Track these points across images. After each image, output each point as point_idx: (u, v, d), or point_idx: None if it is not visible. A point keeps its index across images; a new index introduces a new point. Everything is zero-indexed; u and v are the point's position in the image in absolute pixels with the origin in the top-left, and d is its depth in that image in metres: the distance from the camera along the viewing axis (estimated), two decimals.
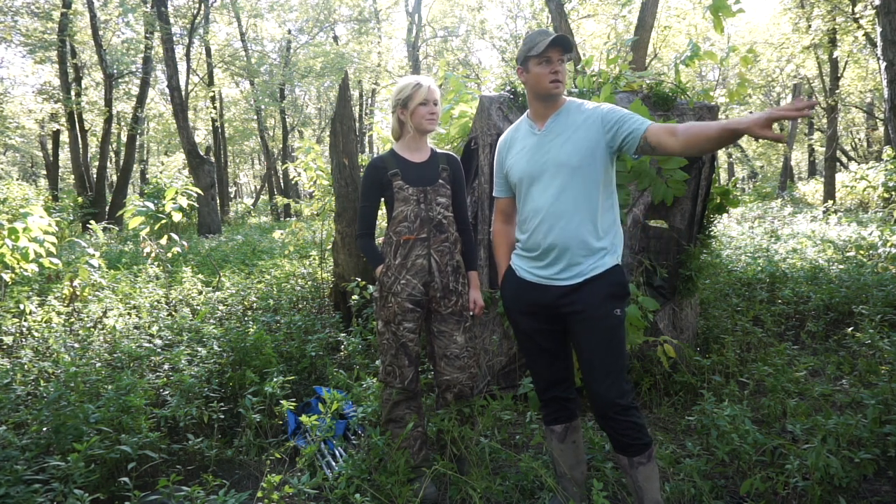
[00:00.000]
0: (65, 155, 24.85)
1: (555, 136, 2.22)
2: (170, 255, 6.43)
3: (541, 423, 2.87)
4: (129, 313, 4.74)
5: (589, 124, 2.18)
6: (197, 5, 19.46)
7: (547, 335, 2.31)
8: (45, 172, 25.73)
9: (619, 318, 2.17)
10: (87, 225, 13.17)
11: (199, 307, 5.07)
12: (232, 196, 35.35)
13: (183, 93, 15.43)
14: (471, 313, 2.69)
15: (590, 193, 2.17)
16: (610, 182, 2.23)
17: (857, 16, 12.10)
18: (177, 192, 5.70)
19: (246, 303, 5.45)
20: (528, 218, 2.27)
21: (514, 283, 2.35)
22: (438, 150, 2.73)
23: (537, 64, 2.19)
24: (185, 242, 6.17)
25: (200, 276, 6.18)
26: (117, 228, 14.90)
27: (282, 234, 6.95)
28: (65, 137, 20.69)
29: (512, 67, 20.94)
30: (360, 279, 4.49)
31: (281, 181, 25.12)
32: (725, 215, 5.07)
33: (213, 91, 22.87)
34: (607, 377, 2.12)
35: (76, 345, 3.94)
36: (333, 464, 2.80)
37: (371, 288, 4.35)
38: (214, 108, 23.43)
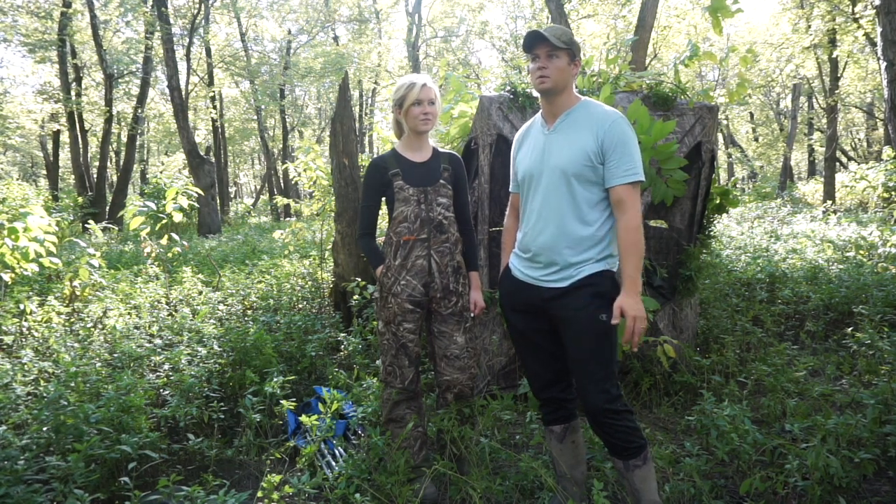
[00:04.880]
0: (65, 155, 24.85)
1: (560, 136, 2.20)
2: (170, 255, 6.43)
3: (541, 422, 2.87)
4: (129, 313, 4.74)
5: (590, 134, 2.13)
6: (197, 5, 19.46)
7: (541, 335, 2.31)
8: (45, 172, 25.73)
9: (605, 324, 2.12)
10: (87, 225, 13.18)
11: (199, 307, 5.06)
12: (232, 196, 35.33)
13: (183, 93, 15.43)
14: (471, 314, 2.69)
15: (585, 201, 2.15)
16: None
17: (857, 16, 12.09)
18: (177, 192, 5.70)
19: (246, 303, 5.44)
20: (526, 218, 2.29)
21: (509, 281, 2.38)
22: (441, 150, 2.72)
23: (529, 62, 2.21)
24: (185, 242, 6.17)
25: (200, 276, 6.18)
26: (117, 228, 14.90)
27: (282, 234, 6.95)
28: (65, 137, 20.70)
29: (512, 67, 20.96)
30: (360, 279, 4.49)
31: (281, 181, 25.12)
32: (725, 215, 5.07)
33: (213, 91, 22.87)
34: (595, 383, 2.12)
35: (76, 345, 3.94)
36: (333, 464, 2.80)
37: (371, 288, 4.35)
38: (214, 108, 23.42)
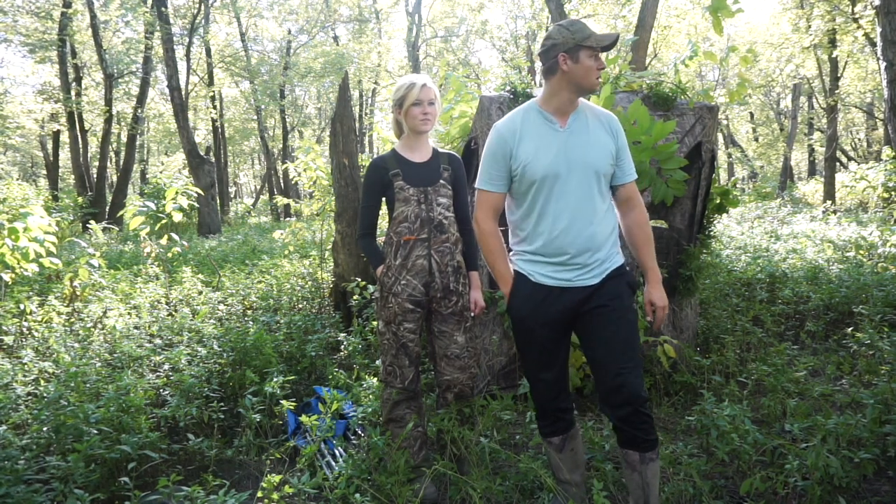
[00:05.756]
0: (65, 155, 24.84)
1: (580, 135, 2.20)
2: (170, 255, 6.43)
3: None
4: (129, 313, 4.74)
5: (607, 133, 2.24)
6: (197, 5, 19.47)
7: (559, 343, 2.27)
8: (45, 172, 25.72)
9: (636, 313, 2.24)
10: (87, 225, 13.17)
11: (199, 307, 5.07)
12: (232, 196, 35.31)
13: (183, 93, 15.43)
14: (471, 314, 2.69)
15: (606, 196, 2.25)
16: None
17: (857, 16, 12.09)
18: (177, 192, 5.70)
19: (246, 303, 5.45)
20: (550, 220, 2.16)
21: (531, 289, 2.22)
22: (440, 150, 2.73)
23: (590, 56, 2.14)
24: (185, 242, 6.17)
25: (200, 276, 6.18)
26: (117, 228, 14.91)
27: (282, 234, 6.95)
28: (65, 137, 20.69)
29: (512, 67, 20.91)
30: (360, 279, 4.49)
31: (281, 181, 25.11)
32: (725, 215, 5.07)
33: (213, 91, 22.87)
34: (634, 370, 2.13)
35: (76, 345, 3.94)
36: (333, 464, 2.80)
37: (371, 288, 4.36)
38: (214, 108, 23.43)
